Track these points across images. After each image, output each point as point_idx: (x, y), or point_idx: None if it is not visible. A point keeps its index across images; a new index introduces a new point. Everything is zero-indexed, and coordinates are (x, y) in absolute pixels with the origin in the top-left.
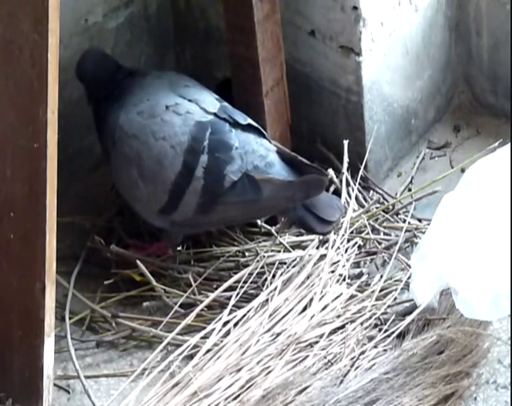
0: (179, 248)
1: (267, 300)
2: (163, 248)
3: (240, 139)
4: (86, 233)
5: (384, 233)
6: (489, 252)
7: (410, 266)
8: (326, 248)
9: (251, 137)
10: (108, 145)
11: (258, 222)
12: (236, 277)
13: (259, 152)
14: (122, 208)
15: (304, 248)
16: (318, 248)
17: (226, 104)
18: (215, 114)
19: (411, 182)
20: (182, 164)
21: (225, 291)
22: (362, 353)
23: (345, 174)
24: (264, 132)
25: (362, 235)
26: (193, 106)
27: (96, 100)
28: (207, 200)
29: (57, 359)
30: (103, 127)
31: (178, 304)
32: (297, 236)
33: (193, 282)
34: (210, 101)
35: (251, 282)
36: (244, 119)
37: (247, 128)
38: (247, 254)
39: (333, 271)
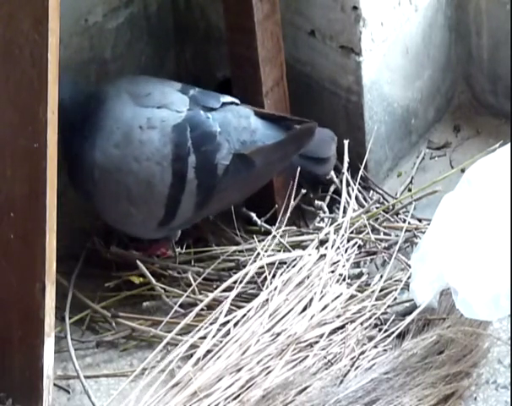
0: (178, 249)
1: (267, 300)
2: (163, 248)
3: (220, 123)
4: (86, 234)
5: (384, 233)
6: (489, 252)
7: (410, 266)
8: (326, 248)
9: (229, 116)
10: (87, 186)
11: (258, 221)
12: (235, 277)
13: (242, 125)
14: None
15: (304, 248)
16: (318, 248)
17: (194, 93)
18: (188, 110)
19: (411, 182)
20: (171, 175)
21: (224, 291)
22: (362, 353)
23: (345, 174)
24: (236, 100)
25: (362, 235)
26: (165, 112)
27: (62, 132)
28: (204, 195)
29: (57, 359)
30: (76, 169)
31: (178, 303)
32: (297, 236)
33: (192, 282)
34: (179, 100)
35: (251, 282)
36: (218, 102)
37: (222, 108)
38: (246, 253)
39: (333, 271)
